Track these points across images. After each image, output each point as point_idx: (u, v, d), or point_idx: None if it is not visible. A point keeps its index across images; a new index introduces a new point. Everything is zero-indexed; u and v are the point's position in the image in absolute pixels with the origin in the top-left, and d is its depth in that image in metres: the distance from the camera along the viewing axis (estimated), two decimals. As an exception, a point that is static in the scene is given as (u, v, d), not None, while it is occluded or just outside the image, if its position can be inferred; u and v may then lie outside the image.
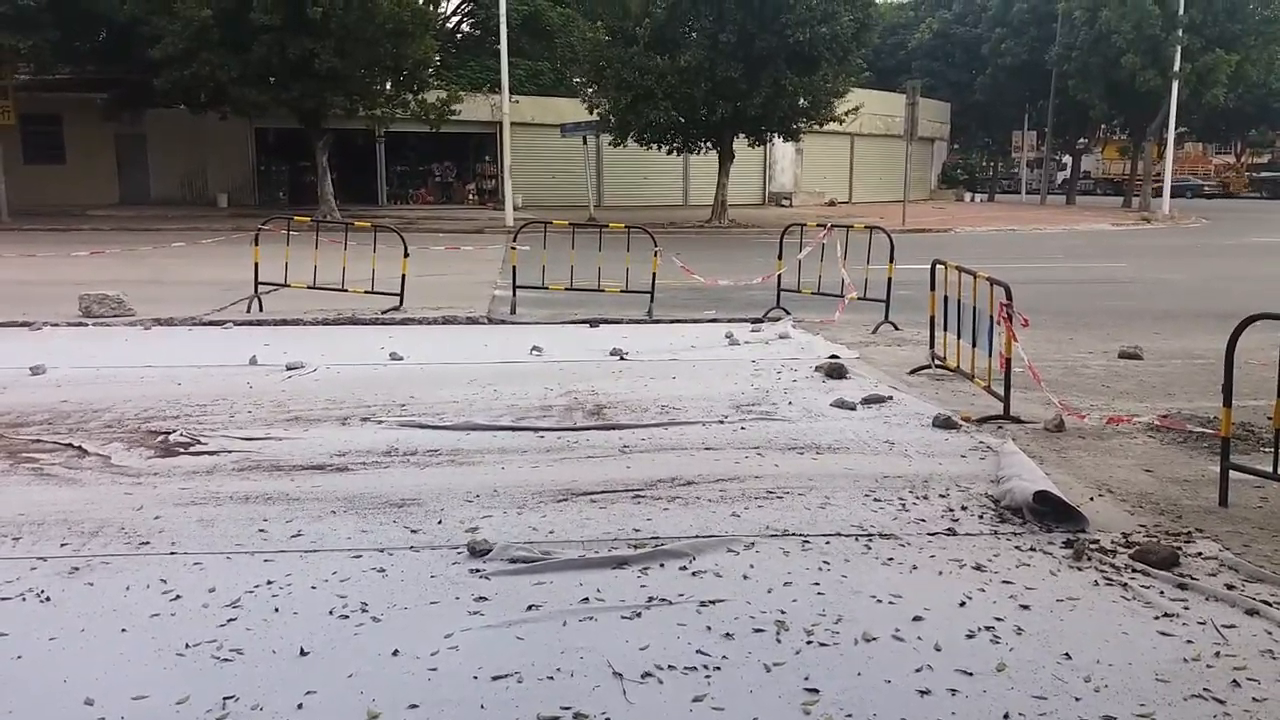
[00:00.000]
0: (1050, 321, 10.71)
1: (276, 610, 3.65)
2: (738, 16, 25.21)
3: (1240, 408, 5.56)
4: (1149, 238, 27.56)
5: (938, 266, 8.14)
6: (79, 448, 5.71)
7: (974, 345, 7.19)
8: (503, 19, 27.10)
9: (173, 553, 4.19)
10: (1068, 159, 57.18)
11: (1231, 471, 4.93)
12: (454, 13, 40.34)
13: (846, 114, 28.52)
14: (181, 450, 5.71)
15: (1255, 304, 6.21)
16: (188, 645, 3.38)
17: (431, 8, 28.77)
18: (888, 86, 45.27)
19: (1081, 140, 54.63)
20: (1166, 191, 37.38)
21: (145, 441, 5.89)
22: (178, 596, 3.76)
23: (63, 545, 4.26)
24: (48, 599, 3.74)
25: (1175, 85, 35.15)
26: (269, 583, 3.88)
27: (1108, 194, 59.17)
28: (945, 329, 7.93)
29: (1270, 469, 4.81)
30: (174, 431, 6.05)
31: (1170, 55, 35.13)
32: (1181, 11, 34.70)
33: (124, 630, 3.49)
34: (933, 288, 8.18)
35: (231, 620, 3.57)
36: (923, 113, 33.87)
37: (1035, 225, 31.05)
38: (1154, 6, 34.84)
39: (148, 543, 4.30)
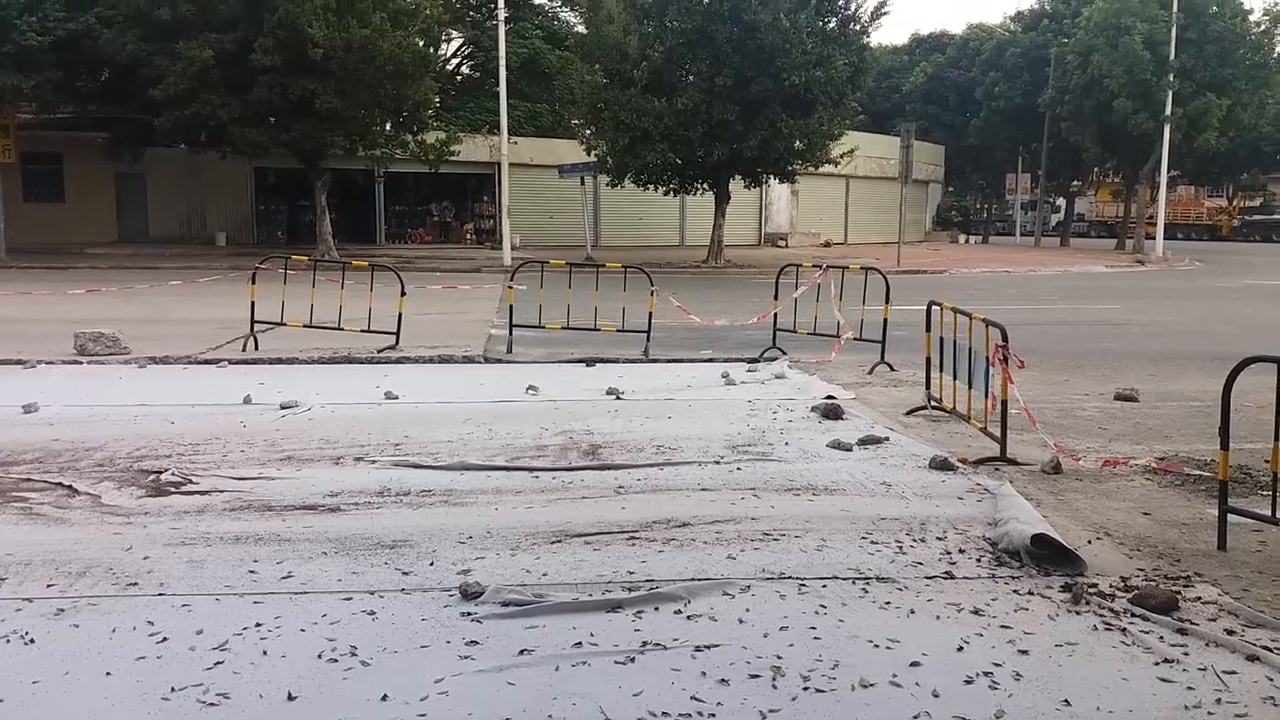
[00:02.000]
0: (1045, 363, 10.71)
1: (265, 653, 3.60)
2: (734, 60, 25.50)
3: (1237, 450, 5.55)
4: (1143, 280, 27.70)
5: (933, 307, 8.15)
6: (69, 487, 5.66)
7: (970, 387, 7.18)
8: (501, 61, 27.41)
9: (161, 594, 4.14)
10: (1061, 201, 57.62)
11: (1229, 515, 4.90)
12: (454, 55, 40.95)
13: (842, 156, 28.78)
14: (173, 490, 5.66)
15: (1251, 347, 6.22)
16: (173, 689, 3.32)
17: (431, 50, 29.10)
18: (882, 129, 45.80)
19: (1075, 183, 55.13)
20: (1160, 234, 37.68)
21: (136, 481, 5.84)
22: (165, 639, 3.70)
23: (49, 586, 4.21)
24: (32, 641, 3.68)
25: (1167, 129, 35.55)
26: (258, 625, 3.83)
27: (1101, 236, 59.57)
28: (941, 370, 7.92)
29: (1268, 513, 4.79)
30: (166, 471, 6.00)
31: (1162, 99, 35.57)
32: (1172, 57, 35.18)
33: (108, 674, 3.43)
34: (928, 329, 8.19)
35: (219, 663, 3.51)
36: (917, 155, 34.17)
37: (1030, 267, 31.19)
38: (1145, 51, 35.32)
39: (136, 584, 4.25)
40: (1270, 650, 3.69)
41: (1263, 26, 37.57)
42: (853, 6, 27.53)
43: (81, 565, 4.44)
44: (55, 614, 3.92)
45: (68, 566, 4.42)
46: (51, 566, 4.42)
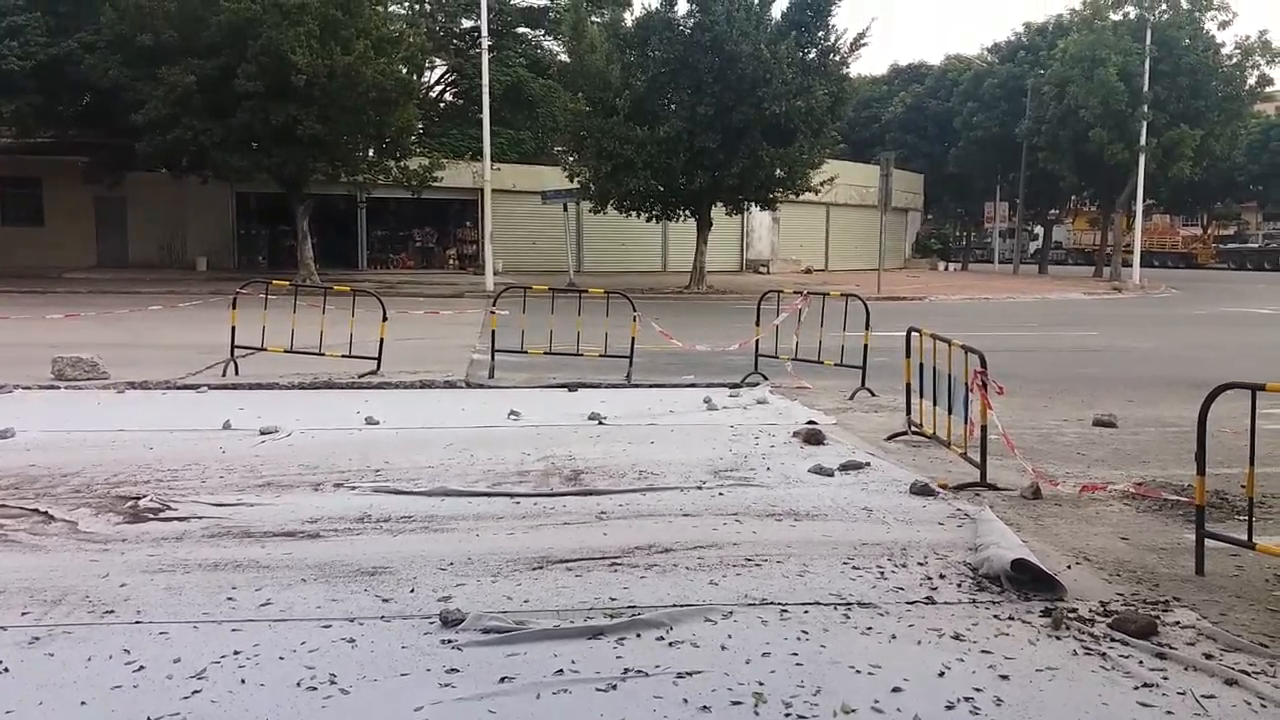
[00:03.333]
0: (1024, 389, 10.79)
1: (243, 681, 3.56)
2: (715, 90, 25.74)
3: (1214, 476, 5.61)
4: (1120, 307, 27.99)
5: (913, 334, 8.21)
6: (45, 513, 5.60)
7: (950, 412, 7.22)
8: (485, 89, 27.55)
9: (138, 622, 4.09)
10: (1039, 229, 58.31)
11: (1207, 540, 4.94)
12: (437, 82, 41.10)
13: (822, 184, 29.02)
14: (151, 516, 5.61)
15: (1226, 373, 6.30)
16: (149, 719, 3.28)
17: (415, 77, 29.23)
18: (862, 158, 46.24)
19: (1052, 211, 55.80)
20: (1136, 261, 38.16)
21: (114, 507, 5.78)
22: (141, 667, 3.66)
23: (23, 614, 4.15)
24: (5, 670, 3.63)
25: (1142, 159, 36.09)
26: (236, 653, 3.79)
27: (1079, 264, 60.24)
28: (921, 396, 7.97)
29: (1245, 537, 4.83)
30: (144, 497, 5.94)
31: (1137, 130, 36.14)
32: (1146, 88, 35.78)
33: (83, 703, 3.39)
34: (908, 355, 8.24)
35: (196, 692, 3.47)
36: (896, 183, 34.50)
37: (1008, 294, 31.48)
38: (1120, 83, 35.89)
39: (112, 611, 4.20)
40: (1248, 674, 3.71)
41: (1234, 59, 38.31)
42: (832, 38, 27.89)
43: (57, 593, 4.39)
44: (30, 642, 3.87)
45: (43, 594, 4.37)
46: (26, 594, 4.36)
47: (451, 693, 3.50)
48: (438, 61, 39.21)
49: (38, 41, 24.89)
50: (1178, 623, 4.23)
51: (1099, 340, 17.79)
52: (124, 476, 6.49)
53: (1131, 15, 38.55)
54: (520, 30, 41.30)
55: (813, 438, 7.92)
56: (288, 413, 8.76)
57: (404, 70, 27.87)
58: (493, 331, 11.58)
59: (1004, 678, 3.68)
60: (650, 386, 10.85)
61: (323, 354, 11.18)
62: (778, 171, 27.55)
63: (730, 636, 4.02)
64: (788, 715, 3.37)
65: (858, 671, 3.72)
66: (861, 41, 27.95)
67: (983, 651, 3.91)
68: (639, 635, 4.02)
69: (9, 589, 4.41)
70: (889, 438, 8.19)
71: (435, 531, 5.43)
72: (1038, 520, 5.84)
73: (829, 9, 27.60)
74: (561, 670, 3.68)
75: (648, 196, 28.16)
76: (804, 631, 4.09)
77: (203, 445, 7.48)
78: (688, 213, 29.64)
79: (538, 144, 37.88)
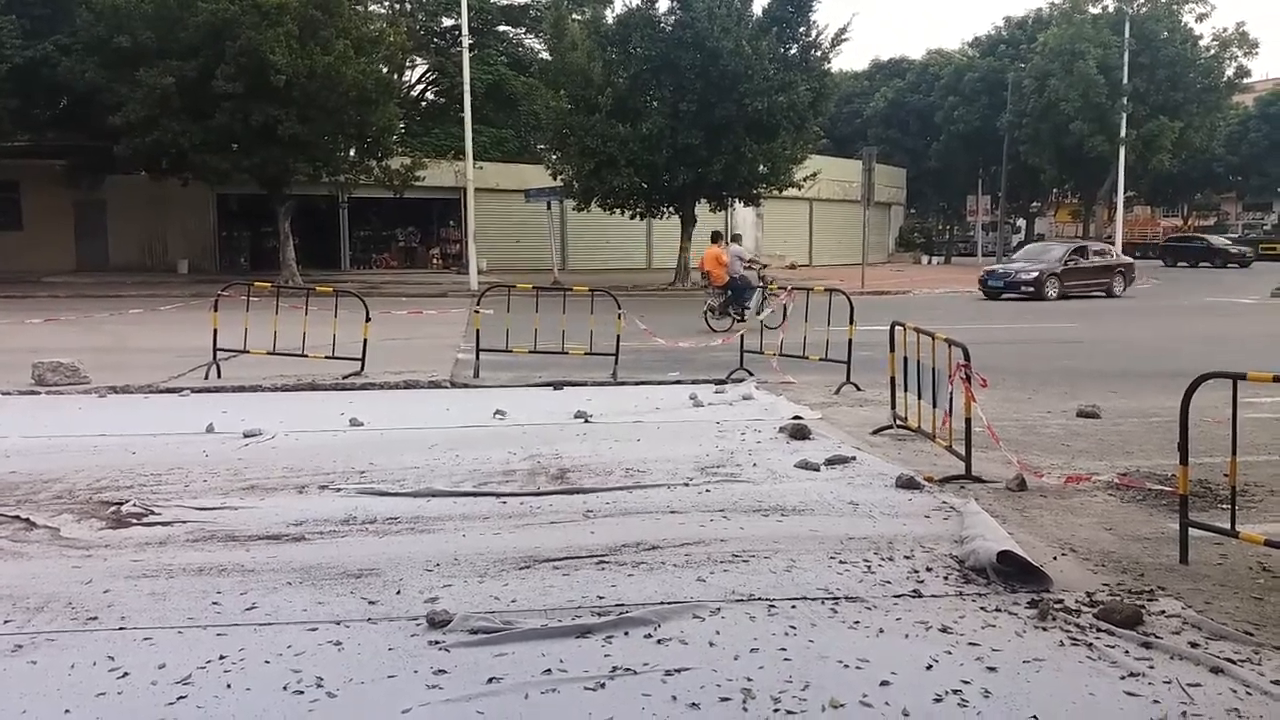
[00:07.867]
0: (1008, 381, 10.83)
1: (229, 686, 3.53)
2: (697, 86, 25.76)
3: (1197, 465, 5.64)
4: (1102, 298, 28.09)
5: (897, 328, 8.23)
6: (27, 520, 5.54)
7: (934, 405, 7.24)
8: (466, 87, 27.48)
9: (122, 628, 4.05)
10: (1021, 222, 58.63)
11: (1191, 529, 4.97)
12: (418, 81, 40.97)
13: (805, 180, 29.08)
14: (134, 521, 5.56)
15: (1207, 363, 6.33)
16: (134, 726, 3.25)
17: (395, 76, 29.11)
18: (845, 153, 46.38)
19: (1034, 204, 56.09)
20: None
21: (96, 513, 5.73)
22: (125, 674, 3.63)
23: (5, 622, 4.11)
24: (-12, 679, 3.59)
25: (1122, 151, 36.34)
26: (221, 658, 3.76)
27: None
28: (906, 389, 7.99)
29: (1229, 526, 4.86)
30: (126, 502, 5.89)
31: (1116, 122, 36.40)
32: (1126, 80, 36.02)
33: (67, 711, 3.35)
34: (892, 349, 8.26)
35: (181, 698, 3.44)
36: (879, 178, 34.57)
37: (992, 287, 31.52)
38: (1099, 76, 36.13)
39: (96, 618, 4.16)
40: (1234, 662, 3.74)
41: (1212, 51, 38.61)
42: (813, 33, 27.97)
43: (40, 600, 4.34)
44: (12, 650, 3.83)
45: (25, 601, 4.32)
46: (9, 602, 4.31)
47: (439, 694, 3.48)
48: (418, 60, 39.10)
49: (12, 44, 24.66)
50: (1163, 612, 4.25)
51: (1082, 332, 17.89)
52: (106, 482, 6.44)
53: (1110, 8, 38.87)
54: (501, 28, 41.23)
55: (798, 433, 7.93)
56: (271, 415, 8.71)
57: (384, 70, 27.76)
58: (477, 331, 11.54)
59: (991, 669, 3.69)
60: (636, 384, 10.84)
61: (306, 356, 11.12)
62: (760, 167, 27.62)
63: (718, 633, 4.02)
64: (776, 710, 3.37)
65: (846, 665, 3.72)
66: (842, 37, 28.03)
67: (970, 644, 3.92)
68: (627, 633, 4.01)
69: (-10, 597, 4.37)
70: (874, 432, 8.21)
71: (421, 532, 5.40)
72: (1023, 512, 5.86)
73: (810, 4, 27.68)
74: (550, 670, 3.67)
75: (631, 194, 28.17)
76: (792, 626, 4.09)
77: (186, 449, 7.42)
78: (671, 209, 29.65)
79: (520, 142, 37.81)
